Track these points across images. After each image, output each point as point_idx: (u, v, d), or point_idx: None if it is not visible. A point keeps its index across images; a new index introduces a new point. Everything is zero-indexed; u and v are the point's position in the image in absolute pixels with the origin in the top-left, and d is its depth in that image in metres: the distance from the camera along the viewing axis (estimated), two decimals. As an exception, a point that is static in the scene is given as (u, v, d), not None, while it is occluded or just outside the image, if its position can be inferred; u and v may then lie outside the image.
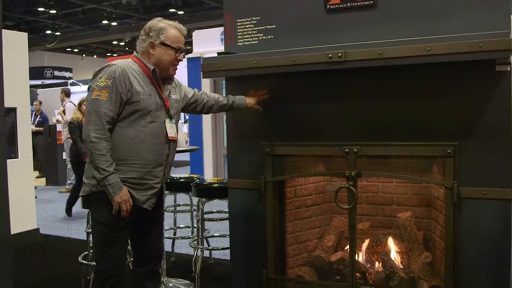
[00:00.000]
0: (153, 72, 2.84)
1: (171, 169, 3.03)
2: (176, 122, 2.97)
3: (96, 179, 2.70)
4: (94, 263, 3.28)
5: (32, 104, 11.63)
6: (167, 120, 2.87)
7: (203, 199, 4.23)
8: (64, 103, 10.01)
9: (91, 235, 3.63)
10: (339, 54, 2.76)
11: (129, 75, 2.75)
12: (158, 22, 2.89)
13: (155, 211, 2.95)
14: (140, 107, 2.74)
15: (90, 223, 3.47)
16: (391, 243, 3.49)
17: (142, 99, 2.75)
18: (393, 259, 3.38)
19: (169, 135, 2.86)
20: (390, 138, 2.91)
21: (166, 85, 2.95)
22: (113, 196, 2.68)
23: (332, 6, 3.03)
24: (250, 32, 3.26)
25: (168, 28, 2.86)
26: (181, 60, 2.94)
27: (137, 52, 2.93)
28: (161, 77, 2.90)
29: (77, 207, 7.29)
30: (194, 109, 3.21)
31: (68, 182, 10.14)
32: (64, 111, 9.82)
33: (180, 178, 4.58)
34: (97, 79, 2.73)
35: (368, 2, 2.94)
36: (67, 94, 10.20)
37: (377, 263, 3.45)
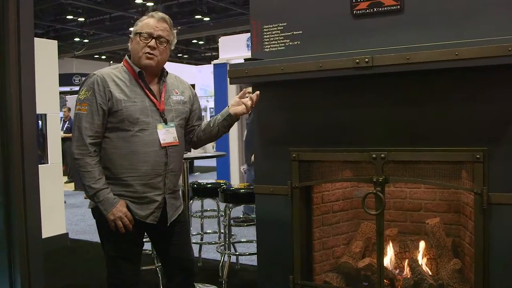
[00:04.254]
0: (140, 75, 2.66)
1: (178, 178, 2.81)
2: (179, 125, 2.76)
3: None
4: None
5: (61, 110, 11.81)
6: (161, 125, 2.65)
7: (230, 205, 4.24)
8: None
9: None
10: (366, 60, 2.75)
11: (109, 83, 2.60)
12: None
13: (175, 222, 2.78)
14: (124, 116, 2.56)
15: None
16: (419, 249, 3.46)
17: (124, 107, 2.57)
18: (421, 265, 3.35)
19: (162, 141, 2.62)
20: (418, 143, 2.88)
21: (161, 85, 2.74)
22: (105, 213, 2.55)
23: (359, 11, 3.02)
24: (277, 38, 3.27)
25: (143, 18, 2.68)
26: (154, 47, 2.64)
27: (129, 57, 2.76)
28: (153, 76, 2.73)
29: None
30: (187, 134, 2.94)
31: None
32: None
33: (207, 183, 4.61)
34: (80, 92, 2.63)
35: (395, 7, 2.92)
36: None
37: (405, 270, 3.42)
